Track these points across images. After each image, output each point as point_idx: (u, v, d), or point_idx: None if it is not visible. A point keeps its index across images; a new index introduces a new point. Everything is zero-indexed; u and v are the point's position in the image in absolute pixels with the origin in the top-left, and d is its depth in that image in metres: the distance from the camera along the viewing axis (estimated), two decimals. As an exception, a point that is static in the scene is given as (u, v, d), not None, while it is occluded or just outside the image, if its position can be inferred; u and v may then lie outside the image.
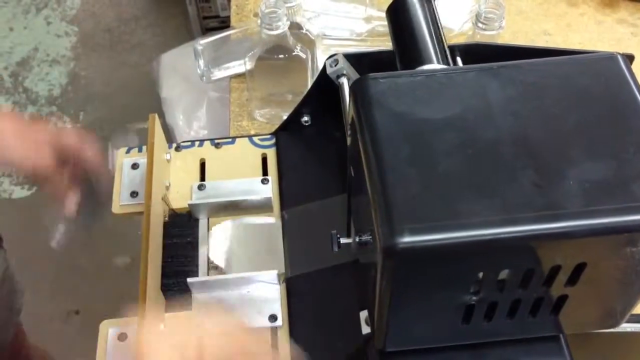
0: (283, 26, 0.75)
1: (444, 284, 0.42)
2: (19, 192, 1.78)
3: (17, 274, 0.88)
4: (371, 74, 0.46)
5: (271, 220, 0.69)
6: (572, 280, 0.43)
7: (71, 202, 0.69)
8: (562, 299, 0.45)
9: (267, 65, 0.79)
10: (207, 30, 1.86)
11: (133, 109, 1.87)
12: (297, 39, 0.83)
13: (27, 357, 1.03)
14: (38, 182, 0.68)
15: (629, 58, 0.60)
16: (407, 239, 0.38)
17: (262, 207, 0.69)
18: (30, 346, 1.04)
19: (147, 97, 1.69)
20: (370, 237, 0.44)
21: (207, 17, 1.86)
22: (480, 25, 0.79)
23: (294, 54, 0.79)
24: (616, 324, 0.49)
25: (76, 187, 0.70)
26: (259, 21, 0.76)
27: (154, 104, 1.51)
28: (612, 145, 0.42)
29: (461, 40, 0.92)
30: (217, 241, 0.67)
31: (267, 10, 0.75)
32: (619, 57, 0.46)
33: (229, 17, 1.02)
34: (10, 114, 0.67)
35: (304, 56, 0.79)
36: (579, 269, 0.42)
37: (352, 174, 0.51)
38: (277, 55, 0.79)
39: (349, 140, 0.50)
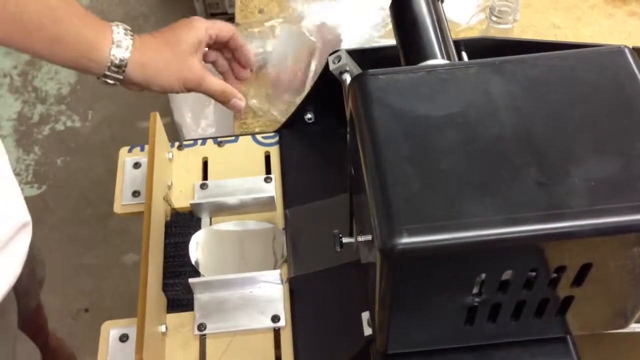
0: None
1: (445, 285, 0.41)
2: (29, 191, 1.79)
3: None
4: (370, 70, 0.45)
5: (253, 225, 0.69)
6: (578, 280, 0.42)
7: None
8: (568, 299, 0.44)
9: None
10: (214, 28, 1.85)
11: (141, 107, 1.87)
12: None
13: (46, 331, 1.04)
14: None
15: (639, 52, 0.58)
16: (406, 240, 0.37)
17: (265, 206, 0.68)
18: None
19: (155, 95, 1.69)
20: (370, 237, 0.43)
21: (215, 14, 1.86)
22: (494, 18, 0.77)
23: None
24: (625, 324, 0.48)
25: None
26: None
27: (162, 102, 1.51)
28: (619, 142, 0.41)
29: (469, 34, 0.90)
30: (194, 247, 0.66)
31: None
32: (627, 50, 0.45)
33: (236, 13, 1.01)
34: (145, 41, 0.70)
35: None
36: (585, 269, 0.41)
37: (353, 173, 0.50)
38: None
39: (348, 137, 0.49)
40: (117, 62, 0.67)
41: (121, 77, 0.68)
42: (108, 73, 0.68)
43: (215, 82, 0.72)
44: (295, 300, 0.62)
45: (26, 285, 0.80)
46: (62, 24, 0.67)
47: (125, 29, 0.68)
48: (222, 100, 0.72)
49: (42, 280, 0.88)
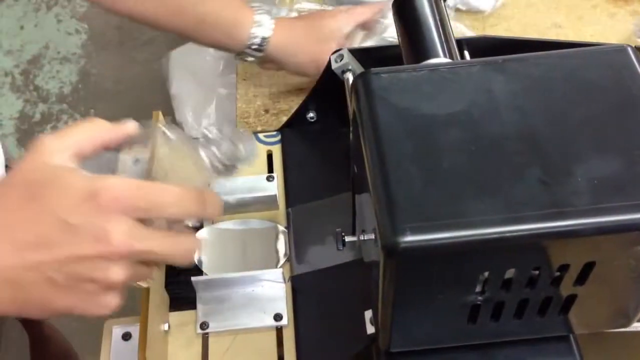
0: None
1: (448, 283, 0.41)
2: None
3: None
4: (373, 69, 0.45)
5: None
6: (581, 279, 0.42)
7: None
8: (571, 298, 0.44)
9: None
10: (216, 27, 1.85)
11: (143, 106, 1.87)
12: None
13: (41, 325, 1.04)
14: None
15: (641, 50, 0.58)
16: (409, 238, 0.37)
17: (267, 204, 0.69)
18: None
19: (157, 94, 1.69)
20: (373, 235, 0.43)
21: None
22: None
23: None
24: (628, 323, 0.48)
25: None
26: None
27: (164, 101, 1.51)
28: (622, 141, 0.41)
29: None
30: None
31: None
32: (629, 49, 0.45)
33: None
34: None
35: None
36: (588, 268, 0.41)
37: (355, 171, 0.50)
38: None
39: (351, 136, 0.49)
40: (258, 40, 0.71)
41: (261, 54, 0.72)
42: (247, 51, 0.72)
43: None
44: (298, 299, 0.62)
45: None
46: (203, 5, 0.71)
47: (267, 10, 0.72)
48: None
49: None
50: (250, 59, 0.74)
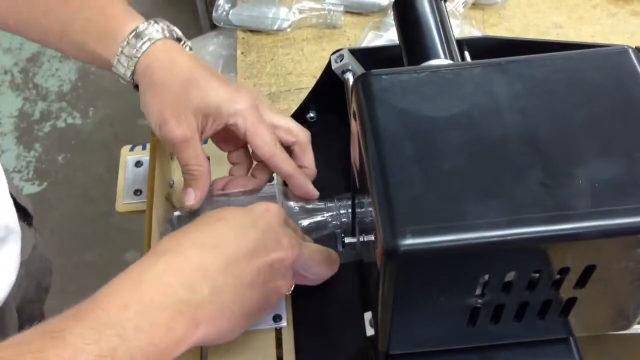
0: None
1: (448, 286, 0.41)
2: (30, 188, 1.79)
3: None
4: (374, 70, 0.44)
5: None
6: (581, 282, 0.42)
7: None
8: (571, 301, 0.44)
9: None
10: (216, 26, 1.85)
11: (143, 104, 1.87)
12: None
13: None
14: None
15: (642, 51, 0.58)
16: (409, 241, 0.37)
17: (267, 205, 0.68)
18: None
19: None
20: (373, 237, 0.43)
21: (217, 12, 1.85)
22: None
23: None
24: (628, 325, 0.48)
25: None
26: None
27: (163, 100, 1.51)
28: (624, 143, 0.41)
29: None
30: None
31: None
32: (631, 51, 0.45)
33: (237, 12, 1.00)
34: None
35: None
36: (589, 271, 0.41)
37: (356, 173, 0.50)
38: None
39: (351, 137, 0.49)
40: (124, 59, 0.55)
41: (128, 79, 0.57)
42: (114, 71, 0.57)
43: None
44: (297, 300, 0.62)
45: (32, 297, 0.79)
46: (70, 5, 0.57)
47: (169, 28, 0.57)
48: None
49: (48, 288, 0.87)
50: (122, 81, 0.58)
